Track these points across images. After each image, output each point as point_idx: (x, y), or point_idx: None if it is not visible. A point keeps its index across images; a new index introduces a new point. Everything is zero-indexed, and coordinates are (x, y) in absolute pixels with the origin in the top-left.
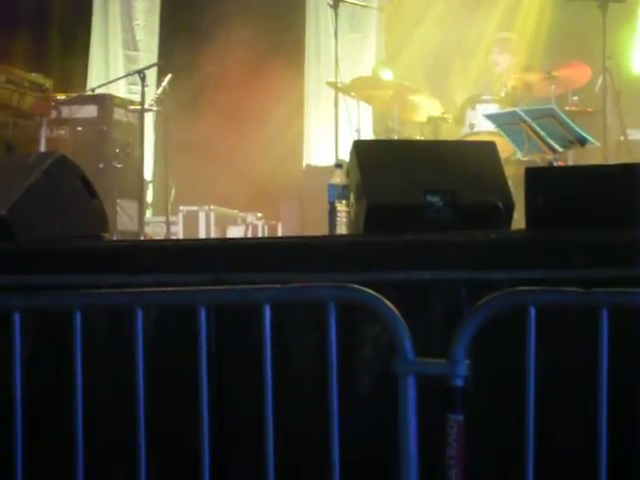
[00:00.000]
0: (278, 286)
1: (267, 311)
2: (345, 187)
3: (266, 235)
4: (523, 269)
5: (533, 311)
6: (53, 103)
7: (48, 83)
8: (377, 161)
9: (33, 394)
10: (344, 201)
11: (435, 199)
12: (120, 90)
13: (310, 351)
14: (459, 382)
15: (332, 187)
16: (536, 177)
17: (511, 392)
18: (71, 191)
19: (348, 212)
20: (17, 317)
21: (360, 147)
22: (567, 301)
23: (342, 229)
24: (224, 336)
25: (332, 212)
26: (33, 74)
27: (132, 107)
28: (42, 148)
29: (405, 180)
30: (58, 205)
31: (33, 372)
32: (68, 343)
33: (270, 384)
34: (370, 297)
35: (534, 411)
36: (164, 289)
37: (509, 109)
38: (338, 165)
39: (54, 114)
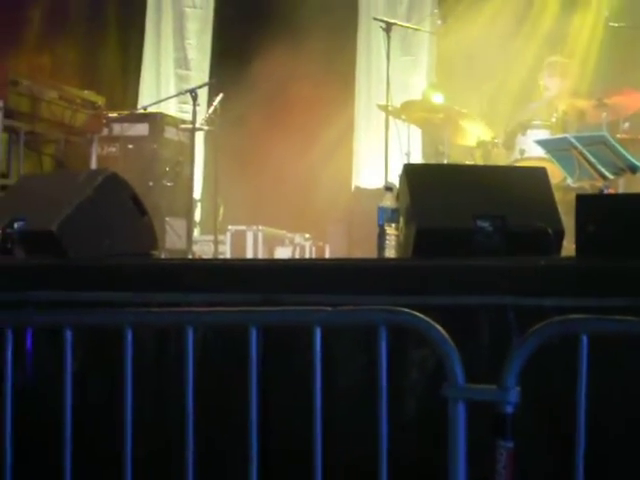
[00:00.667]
0: (329, 308)
1: (318, 333)
2: (395, 210)
3: (313, 257)
4: (572, 296)
5: (585, 339)
6: (104, 121)
7: (100, 101)
8: (427, 185)
9: (82, 409)
10: (393, 224)
11: (485, 224)
12: (171, 109)
13: (356, 373)
14: (509, 409)
15: (381, 210)
16: (587, 204)
17: (560, 418)
18: (121, 208)
19: (397, 235)
20: (69, 333)
21: (410, 171)
22: (620, 330)
23: (391, 252)
24: (271, 356)
25: (381, 235)
26: (85, 91)
27: (183, 126)
28: (93, 165)
29: (455, 204)
30: (108, 222)
31: (82, 387)
32: (118, 359)
33: (319, 405)
34: (421, 321)
35: (585, 438)
36: (215, 309)
37: (560, 135)
38: (388, 188)
39: (105, 131)
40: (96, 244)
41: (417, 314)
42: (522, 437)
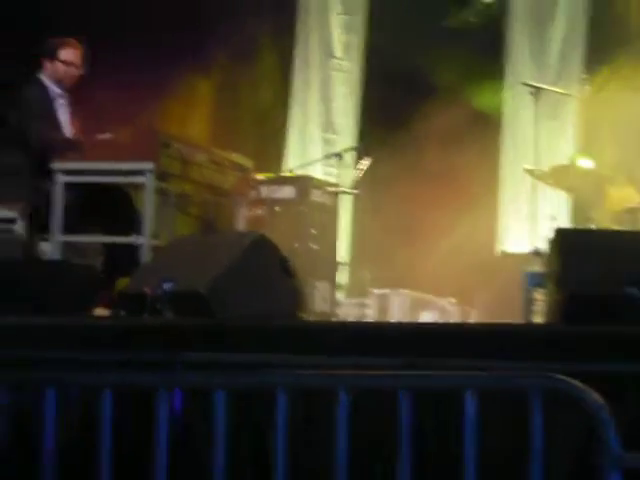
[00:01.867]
0: (483, 373)
1: (469, 398)
2: (543, 275)
3: (460, 321)
4: None
5: None
6: (252, 183)
7: (248, 163)
8: (578, 250)
9: (232, 469)
10: (541, 289)
11: (635, 290)
12: (317, 171)
13: (505, 438)
14: None
15: (529, 275)
16: None
17: None
18: (269, 270)
19: (545, 301)
20: (220, 395)
21: (562, 235)
22: None
23: (538, 318)
24: (419, 420)
25: (529, 300)
26: (234, 154)
27: (329, 189)
28: (240, 227)
29: (606, 270)
30: (256, 284)
31: (231, 448)
32: (265, 421)
33: (473, 470)
34: (577, 388)
35: None
36: (366, 372)
37: None
38: (536, 252)
39: (253, 194)
40: (244, 306)
41: (573, 381)
42: None
